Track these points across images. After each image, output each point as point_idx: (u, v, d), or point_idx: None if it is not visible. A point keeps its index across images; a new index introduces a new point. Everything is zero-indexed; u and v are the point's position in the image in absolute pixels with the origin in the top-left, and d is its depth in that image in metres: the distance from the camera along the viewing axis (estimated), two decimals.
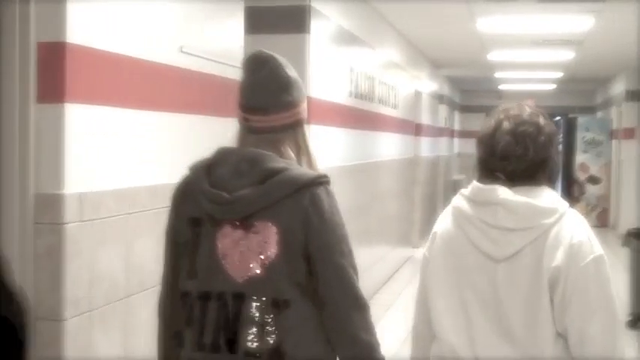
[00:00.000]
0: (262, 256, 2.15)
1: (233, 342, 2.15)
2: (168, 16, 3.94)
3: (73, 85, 3.15)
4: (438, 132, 15.63)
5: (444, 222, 2.38)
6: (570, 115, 23.09)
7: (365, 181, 8.59)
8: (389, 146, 10.13)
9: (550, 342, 2.17)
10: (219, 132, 4.58)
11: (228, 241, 2.18)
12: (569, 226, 2.21)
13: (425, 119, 13.62)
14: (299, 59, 6.18)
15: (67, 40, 3.13)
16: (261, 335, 2.13)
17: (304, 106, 2.32)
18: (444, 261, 2.32)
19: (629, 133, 15.22)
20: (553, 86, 19.77)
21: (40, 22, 3.12)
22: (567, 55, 12.97)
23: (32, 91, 3.11)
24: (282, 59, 2.31)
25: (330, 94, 7.02)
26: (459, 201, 2.32)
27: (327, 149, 6.77)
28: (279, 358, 2.13)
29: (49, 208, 3.11)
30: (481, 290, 2.24)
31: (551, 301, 2.16)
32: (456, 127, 20.39)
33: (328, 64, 6.89)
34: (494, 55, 13.26)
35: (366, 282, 5.97)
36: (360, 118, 8.25)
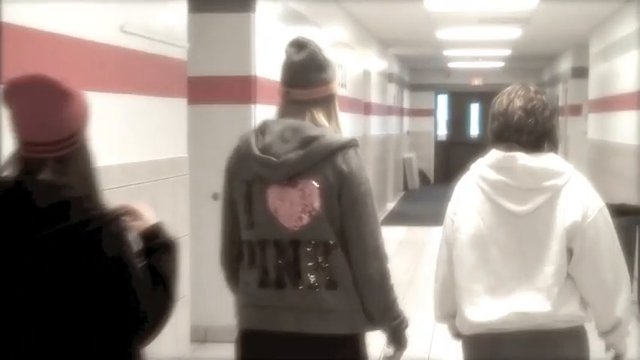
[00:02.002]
0: (309, 208, 2.62)
1: (295, 278, 2.63)
2: None
3: (8, 66, 3.09)
4: (387, 110, 15.68)
5: (466, 187, 2.76)
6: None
7: None
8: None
9: (561, 283, 2.63)
10: (164, 112, 4.54)
11: (278, 197, 2.64)
12: (578, 186, 2.66)
13: (374, 98, 13.65)
14: (244, 38, 6.14)
15: (2, 20, 3.07)
16: (317, 271, 2.62)
17: (335, 83, 2.81)
18: (469, 222, 2.70)
19: (575, 110, 15.43)
20: (501, 64, 19.94)
21: None
22: (514, 32, 13.08)
23: None
24: (317, 44, 2.79)
25: (277, 73, 6.98)
26: (481, 167, 2.72)
27: None
28: (333, 287, 2.63)
29: None
30: (505, 244, 2.66)
31: (569, 250, 2.63)
32: (406, 105, 20.48)
33: (275, 44, 6.85)
34: (442, 34, 13.33)
35: None
36: None
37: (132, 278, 2.02)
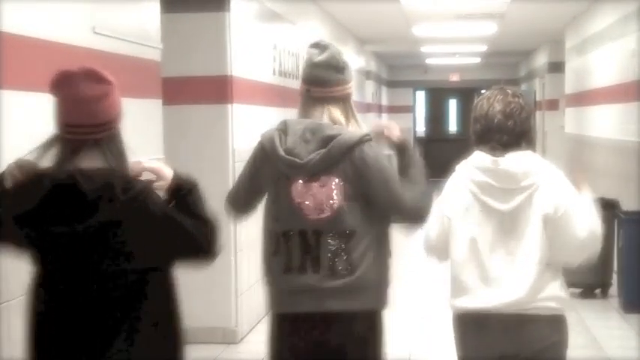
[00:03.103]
0: (331, 201, 2.93)
1: (316, 265, 2.94)
2: None
3: None
4: (365, 108, 15.67)
5: (455, 188, 3.03)
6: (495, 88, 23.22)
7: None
8: None
9: (542, 271, 2.93)
10: (138, 114, 4.49)
11: (301, 192, 2.95)
12: (553, 182, 2.94)
13: (352, 95, 13.62)
14: (219, 38, 6.10)
15: None
16: (337, 257, 2.93)
17: (352, 84, 3.14)
18: (460, 221, 2.99)
19: (552, 104, 15.50)
20: (478, 60, 19.99)
21: None
22: (490, 28, 13.11)
23: None
24: (337, 47, 3.14)
25: (253, 72, 6.95)
26: (468, 169, 2.99)
27: (251, 128, 6.71)
28: (352, 271, 2.93)
29: None
30: (492, 238, 2.95)
31: (548, 238, 2.94)
32: (384, 102, 20.48)
33: (250, 43, 6.82)
34: (419, 30, 13.33)
35: None
36: (284, 96, 8.20)
37: (182, 223, 2.45)
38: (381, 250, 3.05)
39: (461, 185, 3.02)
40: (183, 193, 2.54)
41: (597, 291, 7.57)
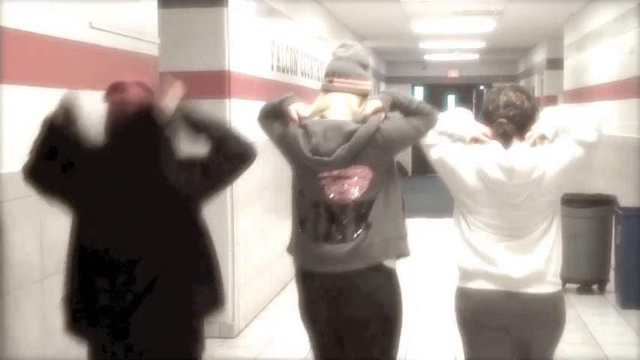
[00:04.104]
0: (359, 185, 3.28)
1: (341, 232, 3.28)
2: None
3: None
4: None
5: (466, 171, 3.22)
6: (494, 84, 23.29)
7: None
8: None
9: (548, 254, 3.22)
10: None
11: (329, 181, 3.29)
12: (551, 169, 3.18)
13: None
14: (217, 33, 6.10)
15: None
16: (360, 224, 3.29)
17: (370, 82, 3.44)
18: (472, 212, 3.24)
19: (551, 101, 15.49)
20: (476, 56, 19.98)
21: None
22: (489, 25, 13.10)
23: None
24: (362, 47, 3.47)
25: (252, 67, 6.95)
26: (483, 160, 3.17)
27: (250, 123, 6.72)
28: (374, 235, 3.28)
29: None
30: (501, 226, 3.19)
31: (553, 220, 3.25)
32: None
33: (248, 38, 6.81)
34: (417, 27, 13.32)
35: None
36: (282, 91, 8.20)
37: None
38: (397, 210, 3.39)
39: (473, 172, 3.21)
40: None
41: (594, 287, 7.58)
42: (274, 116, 3.43)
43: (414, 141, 3.38)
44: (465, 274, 3.25)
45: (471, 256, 3.22)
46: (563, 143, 3.18)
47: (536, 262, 3.18)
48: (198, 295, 2.99)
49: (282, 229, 6.52)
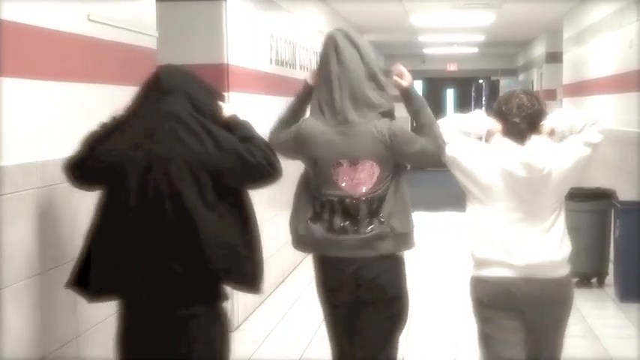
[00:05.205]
0: (370, 178, 3.54)
1: (355, 225, 3.53)
2: None
3: None
4: None
5: (486, 168, 3.48)
6: (493, 78, 23.31)
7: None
8: None
9: (559, 242, 3.51)
10: None
11: (341, 176, 3.55)
12: (561, 164, 3.49)
13: None
14: (216, 26, 6.08)
15: None
16: (372, 217, 3.53)
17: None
18: (493, 202, 3.49)
19: (550, 94, 15.47)
20: (475, 50, 19.96)
21: None
22: (488, 18, 13.09)
23: None
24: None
25: (250, 61, 6.94)
26: (504, 158, 3.46)
27: (248, 117, 6.70)
28: (384, 227, 3.51)
29: None
30: (518, 218, 3.47)
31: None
32: None
33: (247, 31, 6.80)
34: (417, 20, 13.31)
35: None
36: (281, 84, 8.19)
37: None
38: (406, 206, 3.61)
39: (495, 168, 3.47)
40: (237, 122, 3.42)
41: (593, 280, 7.58)
42: (287, 124, 3.71)
43: (414, 158, 3.62)
44: (481, 263, 3.50)
45: (487, 246, 3.47)
46: (571, 143, 3.52)
47: (550, 249, 3.46)
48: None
49: (281, 222, 6.52)
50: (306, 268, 7.22)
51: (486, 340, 3.55)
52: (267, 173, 3.30)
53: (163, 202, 3.12)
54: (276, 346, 6.03)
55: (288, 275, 8.30)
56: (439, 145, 3.55)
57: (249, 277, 3.28)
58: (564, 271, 3.53)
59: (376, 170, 3.55)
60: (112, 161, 3.17)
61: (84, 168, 3.24)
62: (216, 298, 3.27)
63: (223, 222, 3.18)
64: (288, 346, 6.00)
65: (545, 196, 3.48)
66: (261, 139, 3.37)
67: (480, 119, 3.63)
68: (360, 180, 3.55)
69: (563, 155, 3.50)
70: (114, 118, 3.35)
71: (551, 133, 3.53)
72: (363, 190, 3.54)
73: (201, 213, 3.13)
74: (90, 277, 3.22)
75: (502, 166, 3.46)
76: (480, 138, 3.60)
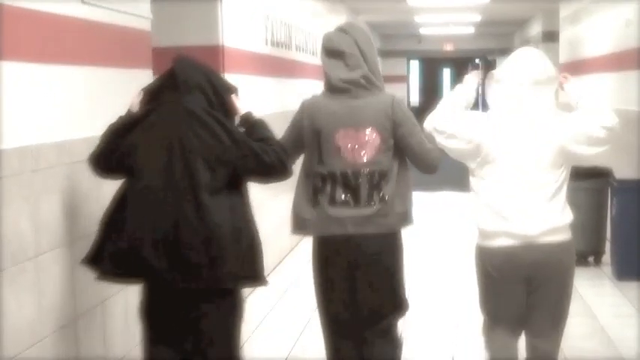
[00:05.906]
0: (370, 147, 3.72)
1: (357, 198, 3.73)
2: None
3: None
4: None
5: (487, 129, 3.61)
6: (489, 57, 23.24)
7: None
8: (308, 94, 10.06)
9: (559, 211, 3.61)
10: (128, 84, 4.46)
11: (343, 141, 3.74)
12: (567, 134, 3.60)
13: None
14: (210, 7, 6.05)
15: None
16: (374, 192, 3.72)
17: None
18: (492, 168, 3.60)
19: None
20: (472, 29, 19.90)
21: None
22: None
23: None
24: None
25: (246, 42, 6.91)
26: (502, 119, 3.60)
27: (244, 98, 6.68)
28: (384, 203, 3.72)
29: None
30: (520, 185, 3.56)
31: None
32: None
33: (242, 12, 6.77)
34: None
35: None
36: (277, 65, 8.17)
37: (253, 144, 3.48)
38: (406, 184, 3.79)
39: (491, 132, 3.58)
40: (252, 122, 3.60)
41: (590, 259, 7.60)
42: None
43: (410, 142, 3.78)
44: (486, 234, 3.61)
45: (491, 218, 3.56)
46: (585, 117, 3.61)
47: (552, 216, 3.54)
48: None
49: (279, 205, 6.52)
50: (300, 252, 7.22)
51: (487, 302, 3.68)
52: (279, 172, 3.53)
53: (182, 194, 3.34)
54: (273, 329, 6.05)
55: (285, 257, 8.31)
56: (436, 156, 3.79)
57: (258, 274, 3.72)
58: (567, 235, 3.61)
59: (376, 138, 3.72)
60: (134, 155, 3.41)
61: (108, 160, 3.48)
62: (234, 282, 3.56)
63: (235, 216, 3.44)
64: (285, 329, 6.01)
65: (548, 163, 3.55)
66: (276, 140, 3.59)
67: (470, 83, 3.81)
68: (361, 143, 3.72)
69: (571, 123, 3.58)
70: (130, 112, 3.55)
71: (565, 77, 3.75)
72: (364, 159, 3.72)
73: (214, 205, 3.36)
74: (104, 257, 3.42)
75: (508, 137, 3.55)
76: (476, 102, 3.81)
